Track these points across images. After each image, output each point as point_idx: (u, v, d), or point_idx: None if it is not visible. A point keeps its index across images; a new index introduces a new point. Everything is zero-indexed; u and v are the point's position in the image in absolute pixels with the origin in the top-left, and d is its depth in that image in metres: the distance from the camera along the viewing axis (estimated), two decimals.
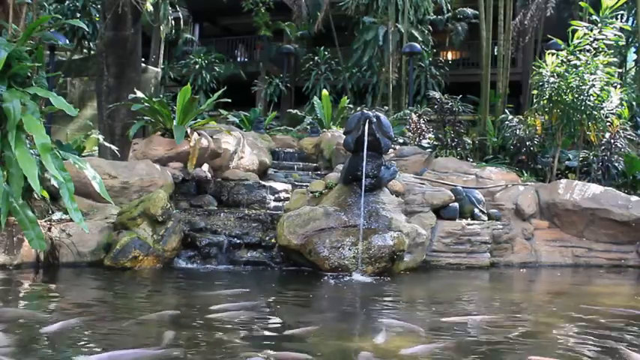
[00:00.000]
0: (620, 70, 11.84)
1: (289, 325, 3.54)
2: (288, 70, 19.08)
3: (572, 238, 7.36)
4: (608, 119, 8.32)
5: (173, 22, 17.20)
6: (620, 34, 8.46)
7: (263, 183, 7.80)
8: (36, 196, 5.16)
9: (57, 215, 5.60)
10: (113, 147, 7.60)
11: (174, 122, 7.40)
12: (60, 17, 13.44)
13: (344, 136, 6.43)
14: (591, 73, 8.02)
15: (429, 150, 9.42)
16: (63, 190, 4.76)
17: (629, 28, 11.15)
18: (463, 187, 7.23)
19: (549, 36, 10.31)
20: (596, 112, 8.01)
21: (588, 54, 8.20)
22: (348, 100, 13.46)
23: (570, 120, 8.16)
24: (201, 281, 5.16)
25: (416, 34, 16.30)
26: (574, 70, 8.10)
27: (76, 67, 16.69)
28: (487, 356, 2.99)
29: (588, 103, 7.98)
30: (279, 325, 3.58)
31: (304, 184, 7.89)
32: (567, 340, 3.38)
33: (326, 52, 18.58)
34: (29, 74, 5.24)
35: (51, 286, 4.78)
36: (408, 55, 14.92)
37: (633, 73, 14.35)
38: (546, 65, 8.43)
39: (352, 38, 17.63)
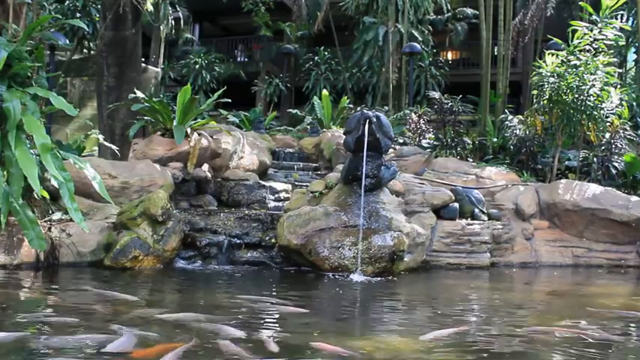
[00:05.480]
0: (620, 70, 11.84)
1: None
2: (288, 70, 19.10)
3: (572, 238, 7.35)
4: (608, 119, 8.32)
5: (173, 22, 17.21)
6: (620, 34, 8.45)
7: (263, 183, 7.81)
8: (36, 196, 5.15)
9: (57, 215, 5.60)
10: (113, 147, 7.60)
11: (175, 122, 7.40)
12: (60, 17, 13.43)
13: (344, 136, 6.43)
14: (591, 73, 8.02)
15: (429, 150, 9.42)
16: (63, 190, 4.76)
17: (629, 28, 11.16)
18: (463, 187, 7.22)
19: (549, 36, 10.31)
20: (596, 112, 8.01)
21: (588, 54, 8.20)
22: (348, 100, 13.49)
23: (570, 120, 8.15)
24: (201, 281, 5.16)
25: (416, 34, 16.32)
26: (574, 70, 8.09)
27: (76, 67, 16.68)
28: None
29: (588, 103, 7.98)
30: None
31: (304, 184, 7.89)
32: (566, 341, 3.37)
33: (326, 52, 18.60)
34: (29, 74, 5.24)
35: (51, 286, 4.78)
36: (408, 55, 14.95)
37: (633, 73, 14.35)
38: (546, 65, 8.43)
39: (352, 38, 17.65)
